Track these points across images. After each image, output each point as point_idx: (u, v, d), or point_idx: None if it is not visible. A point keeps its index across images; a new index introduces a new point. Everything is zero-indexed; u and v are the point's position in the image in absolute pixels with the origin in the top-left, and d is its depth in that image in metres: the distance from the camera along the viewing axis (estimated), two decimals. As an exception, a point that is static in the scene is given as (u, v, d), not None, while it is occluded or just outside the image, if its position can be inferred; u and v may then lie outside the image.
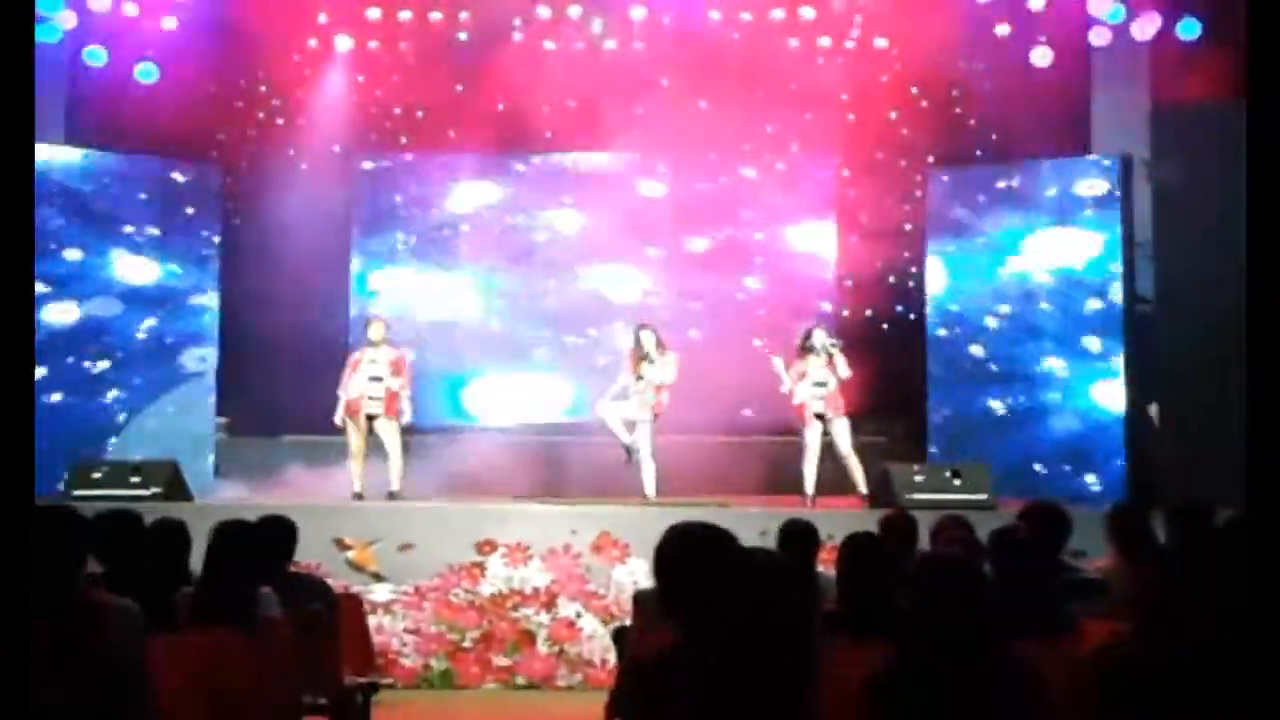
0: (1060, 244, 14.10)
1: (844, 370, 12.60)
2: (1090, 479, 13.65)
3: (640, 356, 12.78)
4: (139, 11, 14.21)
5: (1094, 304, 13.88)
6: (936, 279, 14.75)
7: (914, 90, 15.64)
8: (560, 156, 16.70)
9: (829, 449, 12.65)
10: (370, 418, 12.65)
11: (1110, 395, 13.76)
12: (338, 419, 12.77)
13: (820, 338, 12.75)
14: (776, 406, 12.95)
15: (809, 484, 12.57)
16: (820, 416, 12.57)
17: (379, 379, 12.66)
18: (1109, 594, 6.22)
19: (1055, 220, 14.14)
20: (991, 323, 14.40)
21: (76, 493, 11.35)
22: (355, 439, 12.69)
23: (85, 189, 14.15)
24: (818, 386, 12.61)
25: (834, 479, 12.75)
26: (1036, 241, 14.23)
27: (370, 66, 16.25)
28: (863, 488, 12.43)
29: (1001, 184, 14.49)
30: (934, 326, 14.72)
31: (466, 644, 10.92)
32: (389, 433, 12.68)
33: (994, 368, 14.37)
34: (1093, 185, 13.97)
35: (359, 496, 12.51)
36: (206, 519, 6.52)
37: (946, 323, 14.63)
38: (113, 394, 14.21)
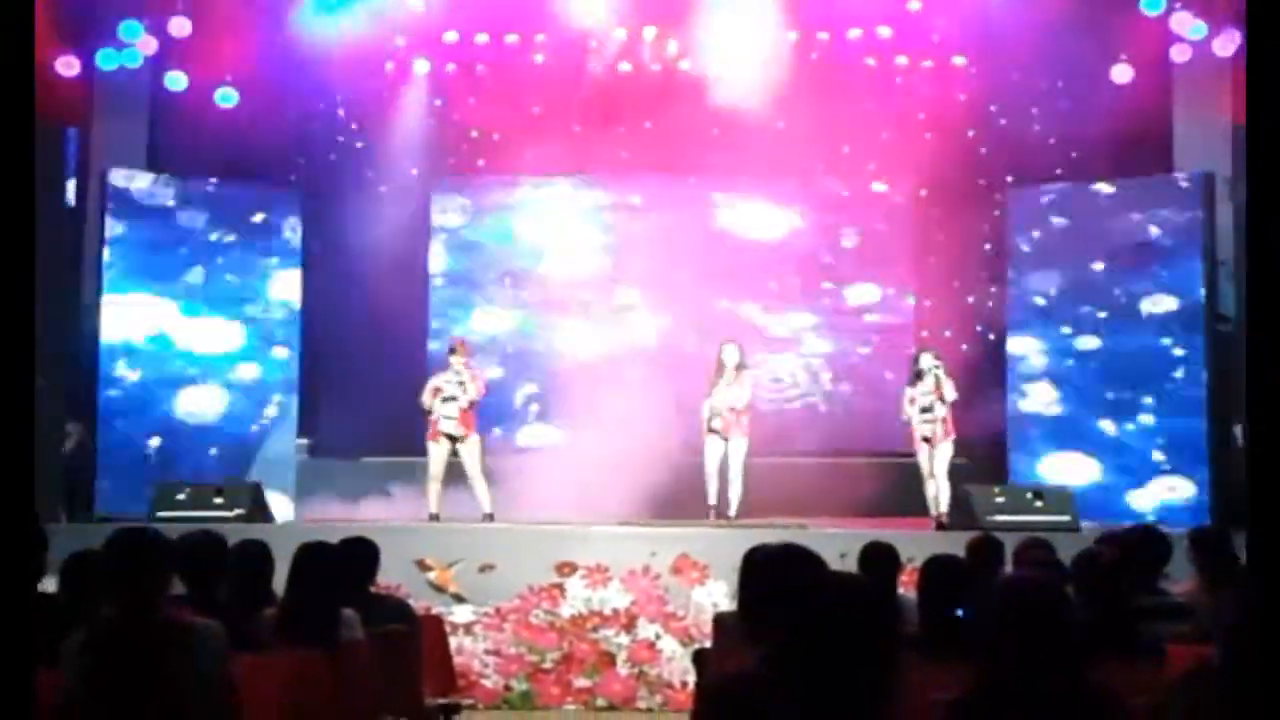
0: (1141, 263, 13.96)
1: (949, 393, 12.63)
2: (1173, 500, 13.49)
3: (719, 374, 12.88)
4: (219, 37, 14.33)
5: (1175, 324, 13.74)
6: (1015, 298, 14.66)
7: (992, 109, 15.55)
8: (636, 178, 16.66)
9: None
10: (451, 439, 12.74)
11: (1193, 415, 13.60)
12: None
13: (927, 360, 12.76)
14: (853, 427, 12.92)
15: (934, 507, 12.61)
16: (927, 440, 12.60)
17: (453, 399, 12.74)
18: (1196, 618, 6.15)
19: (1136, 239, 14.02)
20: (1072, 342, 14.26)
21: (160, 514, 11.44)
22: (435, 461, 12.78)
23: (168, 213, 14.30)
24: (924, 411, 12.63)
25: (916, 499, 12.78)
26: (1116, 260, 14.10)
27: (447, 89, 16.35)
28: (943, 510, 12.39)
29: (1082, 202, 14.37)
30: (1014, 346, 14.61)
31: (547, 665, 10.93)
32: (468, 454, 12.76)
33: (1074, 387, 14.24)
34: (1174, 204, 13.84)
35: (435, 518, 12.58)
36: (289, 540, 6.57)
37: (1026, 343, 14.52)
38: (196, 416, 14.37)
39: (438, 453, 12.78)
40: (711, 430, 12.96)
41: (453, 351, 13.03)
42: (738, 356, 13.02)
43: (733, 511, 12.84)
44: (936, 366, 12.70)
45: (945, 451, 12.66)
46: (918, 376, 12.79)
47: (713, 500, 12.95)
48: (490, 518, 12.61)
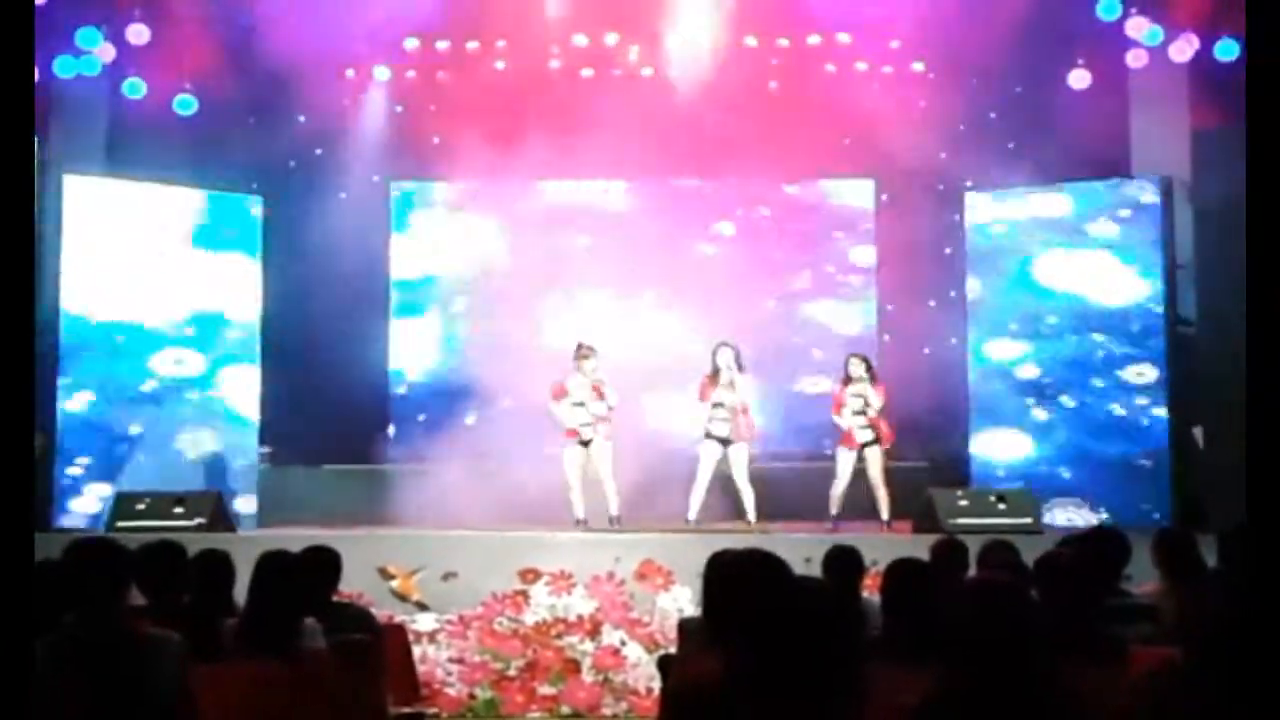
0: (1100, 267, 14.02)
1: (874, 399, 12.66)
2: (1136, 503, 13.55)
3: (716, 379, 12.80)
4: (177, 44, 14.26)
5: (1135, 327, 13.81)
6: (976, 303, 14.70)
7: (951, 114, 15.59)
8: (597, 183, 16.67)
9: (860, 474, 12.71)
10: (584, 443, 12.69)
11: (1153, 418, 13.68)
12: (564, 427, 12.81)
13: (856, 368, 12.80)
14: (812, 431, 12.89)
15: (834, 507, 12.63)
16: (863, 444, 12.62)
17: (582, 404, 12.69)
18: (1159, 619, 6.18)
19: (1095, 243, 14.08)
20: (1031, 347, 14.32)
21: (120, 524, 11.37)
22: (572, 466, 12.72)
23: (126, 220, 14.21)
24: (857, 415, 12.66)
25: (870, 504, 12.79)
26: (1076, 265, 14.16)
27: (408, 96, 16.33)
28: (885, 514, 12.46)
29: (1041, 207, 14.42)
30: (975, 351, 14.65)
31: (511, 673, 10.88)
32: (601, 457, 12.72)
33: (1035, 392, 14.29)
34: (1133, 208, 13.91)
35: (582, 523, 12.53)
36: (250, 549, 6.53)
37: (987, 347, 14.57)
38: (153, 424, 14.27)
39: (573, 458, 12.73)
40: (710, 435, 12.90)
41: (586, 357, 12.84)
42: (733, 357, 12.93)
43: (751, 518, 12.75)
44: (864, 377, 12.75)
45: (878, 455, 12.67)
46: (847, 381, 12.83)
47: (693, 514, 12.78)
48: (613, 520, 12.61)
